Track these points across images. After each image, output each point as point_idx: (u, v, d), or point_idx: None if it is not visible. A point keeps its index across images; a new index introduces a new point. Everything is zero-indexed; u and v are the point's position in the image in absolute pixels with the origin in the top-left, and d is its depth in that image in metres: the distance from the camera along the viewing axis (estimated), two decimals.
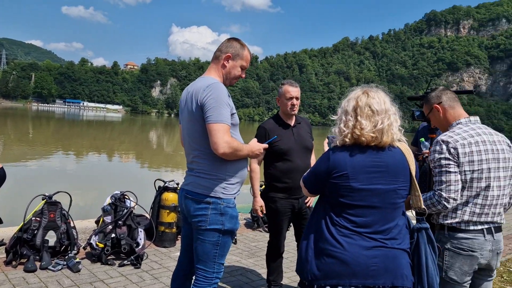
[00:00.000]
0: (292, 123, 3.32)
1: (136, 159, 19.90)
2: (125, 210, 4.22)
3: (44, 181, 11.34)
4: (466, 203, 2.11)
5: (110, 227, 4.11)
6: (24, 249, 3.77)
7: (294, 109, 3.25)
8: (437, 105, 2.32)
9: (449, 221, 2.14)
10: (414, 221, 1.99)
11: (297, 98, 3.25)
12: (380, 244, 1.80)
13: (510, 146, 2.23)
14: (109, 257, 4.02)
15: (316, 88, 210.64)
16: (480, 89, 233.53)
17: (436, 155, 2.14)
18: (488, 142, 2.13)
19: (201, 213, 2.28)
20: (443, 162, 2.10)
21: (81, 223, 5.17)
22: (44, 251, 3.81)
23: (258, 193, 3.29)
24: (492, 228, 2.14)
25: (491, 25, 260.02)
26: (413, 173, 1.88)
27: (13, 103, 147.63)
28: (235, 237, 4.98)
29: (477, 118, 2.29)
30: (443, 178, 2.10)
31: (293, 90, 3.23)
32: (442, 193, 2.09)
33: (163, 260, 4.20)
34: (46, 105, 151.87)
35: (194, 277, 2.44)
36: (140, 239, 4.15)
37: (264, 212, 3.26)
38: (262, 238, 5.28)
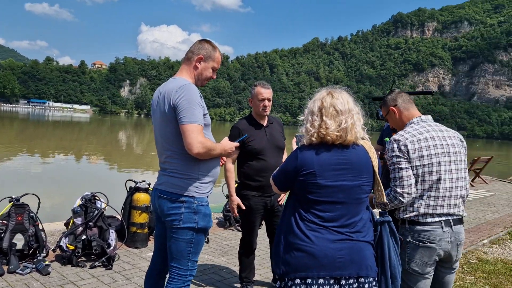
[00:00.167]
0: (265, 123, 3.41)
1: (105, 160, 19.51)
2: (96, 211, 4.19)
3: (10, 183, 10.98)
4: (421, 197, 2.24)
5: (80, 228, 4.07)
6: None
7: (266, 110, 3.34)
8: (393, 108, 2.46)
9: (408, 215, 2.27)
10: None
11: (269, 100, 3.34)
12: (346, 237, 1.90)
13: (462, 141, 2.38)
14: (80, 259, 3.98)
15: (287, 88, 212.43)
16: (444, 89, 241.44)
17: (389, 154, 2.28)
18: (437, 138, 2.27)
19: (175, 212, 2.32)
20: (395, 159, 2.24)
21: (49, 226, 5.08)
22: (11, 255, 3.74)
23: (234, 191, 3.36)
24: (451, 220, 2.26)
25: (454, 27, 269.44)
26: (376, 170, 1.99)
27: None
28: (208, 236, 5.01)
29: (429, 117, 2.43)
30: (396, 175, 2.23)
31: (265, 92, 3.32)
32: (397, 188, 2.21)
33: (135, 261, 4.19)
34: (9, 105, 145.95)
35: (168, 276, 2.47)
36: (112, 240, 4.13)
37: (243, 208, 3.33)
38: (234, 236, 5.35)
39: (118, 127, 62.22)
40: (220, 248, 4.83)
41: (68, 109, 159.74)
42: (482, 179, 12.78)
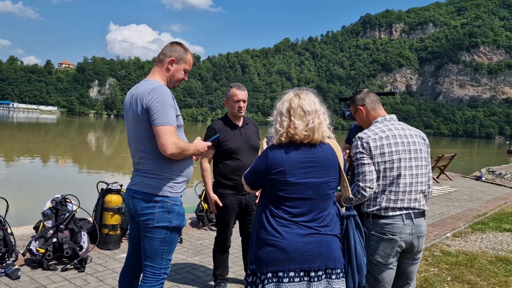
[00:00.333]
0: (240, 123, 3.51)
1: (74, 162, 19.07)
2: (67, 214, 4.15)
3: None
4: (383, 191, 2.37)
5: (51, 231, 4.02)
6: None
7: (241, 111, 3.44)
8: (361, 107, 2.59)
9: (371, 209, 2.40)
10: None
11: (244, 101, 3.44)
12: (315, 231, 2.00)
13: (424, 140, 2.52)
14: (51, 262, 3.93)
15: (259, 88, 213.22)
16: (411, 89, 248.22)
17: (354, 150, 2.42)
18: (398, 136, 2.41)
19: (149, 212, 2.36)
20: (359, 155, 2.38)
21: (17, 230, 4.97)
22: None
23: (211, 189, 3.45)
24: (412, 214, 2.40)
25: (420, 28, 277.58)
26: (342, 167, 2.10)
27: None
28: (181, 236, 5.04)
29: (393, 116, 2.57)
30: (360, 170, 2.37)
31: (240, 93, 3.42)
32: (360, 183, 2.35)
33: (108, 263, 4.18)
34: None
35: (142, 275, 2.50)
36: (84, 242, 4.10)
37: (220, 205, 3.41)
38: (207, 236, 5.39)
39: (87, 128, 60.80)
40: (194, 248, 4.87)
41: (34, 110, 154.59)
42: (447, 176, 13.28)
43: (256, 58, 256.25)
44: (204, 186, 3.62)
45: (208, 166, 3.47)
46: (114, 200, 4.58)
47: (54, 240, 3.98)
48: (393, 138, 2.39)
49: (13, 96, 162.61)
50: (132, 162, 2.51)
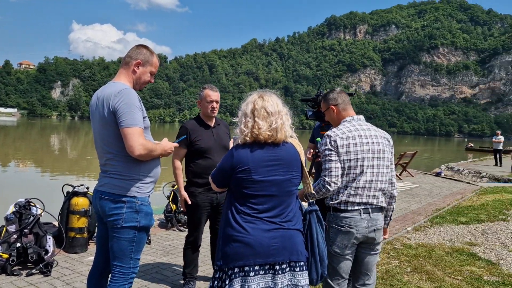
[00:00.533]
0: (212, 124, 3.61)
1: (37, 166, 18.47)
2: (31, 218, 4.08)
3: None
4: (345, 187, 2.53)
5: (15, 236, 3.94)
6: None
7: (214, 111, 3.55)
8: (333, 106, 2.73)
9: (333, 202, 2.55)
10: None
11: (216, 102, 3.55)
12: (279, 226, 2.10)
13: (389, 141, 2.69)
14: (15, 268, 3.86)
15: (227, 88, 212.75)
16: (375, 89, 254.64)
17: (322, 147, 2.57)
18: (364, 137, 2.56)
19: (117, 212, 2.39)
20: (327, 152, 2.53)
21: None
22: None
23: (182, 187, 3.55)
24: (370, 209, 2.56)
25: (383, 30, 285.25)
26: (304, 164, 2.22)
27: None
28: (149, 238, 5.04)
29: (361, 117, 2.72)
30: (326, 166, 2.51)
31: (213, 94, 3.53)
32: (326, 178, 2.49)
33: (75, 266, 4.14)
34: None
35: (110, 275, 2.53)
36: (49, 246, 4.04)
37: (189, 202, 3.49)
38: (176, 237, 5.41)
39: (50, 130, 58.83)
40: (162, 249, 4.88)
41: None
42: (409, 172, 13.79)
43: (224, 58, 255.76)
44: (175, 184, 3.67)
45: (180, 165, 3.56)
46: (81, 202, 4.54)
47: (18, 244, 3.90)
48: (359, 138, 2.54)
49: None
50: (99, 164, 2.53)
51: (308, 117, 3.34)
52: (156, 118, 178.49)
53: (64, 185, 4.90)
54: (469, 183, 12.58)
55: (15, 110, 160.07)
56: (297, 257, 2.12)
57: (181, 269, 3.87)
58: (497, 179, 14.34)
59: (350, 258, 2.61)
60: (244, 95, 2.26)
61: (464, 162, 22.41)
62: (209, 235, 3.84)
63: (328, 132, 2.57)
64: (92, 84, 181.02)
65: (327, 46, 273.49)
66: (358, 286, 2.71)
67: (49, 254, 3.99)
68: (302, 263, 2.15)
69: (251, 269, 2.06)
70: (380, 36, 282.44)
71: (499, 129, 23.38)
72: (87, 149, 27.79)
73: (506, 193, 10.24)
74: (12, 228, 4.00)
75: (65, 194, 4.75)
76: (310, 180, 2.32)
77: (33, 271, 3.82)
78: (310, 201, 2.32)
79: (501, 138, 19.54)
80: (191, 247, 3.63)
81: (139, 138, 2.32)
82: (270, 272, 2.08)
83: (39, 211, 4.25)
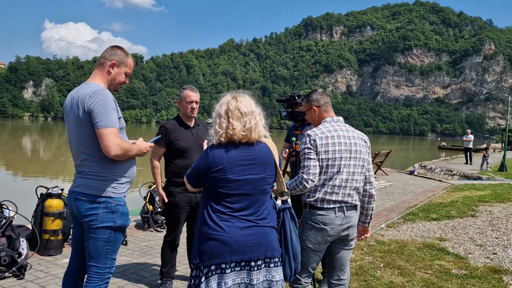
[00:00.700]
0: (192, 124, 3.65)
1: (8, 168, 17.97)
2: (4, 221, 4.01)
3: None
4: (322, 185, 2.61)
5: None
6: None
7: (194, 112, 3.60)
8: (316, 108, 2.80)
9: (310, 199, 2.63)
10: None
11: (196, 102, 3.60)
12: (254, 224, 2.16)
13: (366, 142, 2.78)
14: None
15: (204, 88, 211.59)
16: (351, 89, 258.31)
17: (302, 146, 2.65)
18: (342, 137, 2.66)
19: (92, 213, 2.40)
20: (306, 151, 2.61)
21: None
22: None
23: (160, 185, 3.59)
24: (344, 207, 2.65)
25: (358, 31, 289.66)
26: (277, 164, 2.28)
27: None
28: (126, 239, 5.02)
29: (340, 118, 2.81)
30: (305, 163, 2.59)
31: (193, 95, 3.57)
32: (304, 175, 2.57)
33: (49, 268, 4.09)
34: None
35: (86, 276, 2.53)
36: (23, 249, 3.98)
37: (166, 201, 3.53)
38: (153, 237, 5.40)
39: (22, 132, 57.22)
40: (139, 249, 4.87)
41: None
42: (383, 171, 14.10)
43: (201, 58, 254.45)
44: (151, 185, 3.68)
45: (157, 164, 3.61)
46: (55, 204, 4.48)
47: None
48: (338, 138, 2.63)
49: None
50: (74, 165, 2.53)
51: (282, 117, 3.41)
52: (133, 118, 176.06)
53: (38, 187, 4.82)
54: (440, 180, 12.95)
55: None
56: (271, 253, 2.18)
57: (158, 269, 3.88)
58: (467, 177, 14.82)
59: (320, 254, 2.70)
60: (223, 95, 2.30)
61: (436, 160, 23.03)
62: (186, 235, 3.86)
63: (308, 132, 2.66)
64: (66, 84, 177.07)
65: (304, 46, 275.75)
66: (333, 281, 2.79)
67: (23, 257, 3.93)
68: (276, 259, 2.21)
69: (227, 266, 2.11)
70: (355, 37, 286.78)
71: (470, 129, 24.13)
72: (61, 150, 27.20)
73: (475, 190, 10.62)
74: None
75: (39, 196, 4.68)
76: (284, 180, 2.38)
77: (6, 274, 3.76)
78: (284, 199, 2.38)
79: (471, 137, 20.18)
80: (170, 247, 3.65)
81: (115, 139, 2.33)
82: (246, 268, 2.13)
83: (12, 214, 4.18)
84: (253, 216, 2.17)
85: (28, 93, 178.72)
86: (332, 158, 2.59)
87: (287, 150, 3.87)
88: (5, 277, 3.74)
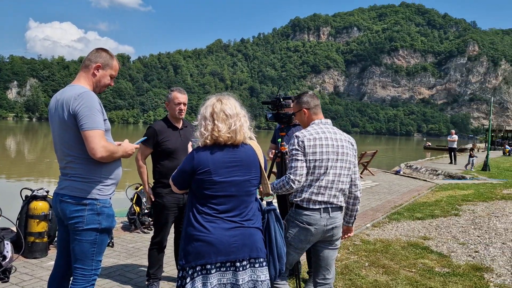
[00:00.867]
0: (180, 126, 3.67)
1: None
2: None
3: None
4: (309, 186, 2.66)
5: None
6: None
7: (182, 113, 3.62)
8: (306, 110, 2.85)
9: (296, 199, 2.68)
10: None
11: (184, 104, 3.63)
12: (239, 225, 2.19)
13: (353, 145, 2.83)
14: None
15: (192, 89, 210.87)
16: (339, 90, 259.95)
17: (290, 147, 2.70)
18: (330, 139, 2.71)
19: (78, 215, 2.40)
20: (294, 152, 2.66)
21: None
22: None
23: (146, 184, 3.63)
24: (329, 208, 2.69)
25: (345, 32, 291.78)
26: (262, 166, 2.31)
27: None
28: (112, 240, 5.00)
29: (328, 120, 2.86)
30: (293, 164, 2.64)
31: (181, 97, 3.59)
32: (291, 175, 2.62)
33: (35, 271, 4.06)
34: None
35: (72, 278, 2.52)
36: (7, 252, 3.95)
37: (152, 199, 3.56)
38: (140, 239, 5.39)
39: (5, 132, 56.30)
40: (126, 251, 4.86)
41: None
42: (369, 171, 14.24)
43: (189, 59, 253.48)
44: (138, 186, 3.68)
45: (143, 164, 3.63)
46: (40, 206, 4.44)
47: None
48: (325, 140, 2.68)
49: None
50: (59, 167, 2.53)
51: (267, 119, 3.45)
52: (120, 119, 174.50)
53: (23, 189, 4.78)
54: (425, 180, 13.14)
55: None
56: (257, 253, 2.21)
57: (145, 271, 3.88)
58: (451, 176, 15.06)
59: (300, 253, 2.76)
60: (210, 96, 2.33)
61: (422, 160, 23.34)
62: (173, 236, 3.87)
63: (297, 133, 2.71)
64: (51, 84, 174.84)
65: (291, 47, 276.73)
66: (318, 281, 2.83)
67: (7, 260, 3.90)
68: (261, 260, 2.24)
69: (213, 266, 2.13)
70: (342, 38, 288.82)
71: (454, 129, 24.51)
72: (46, 151, 26.84)
73: (459, 189, 10.81)
74: None
75: (24, 198, 4.64)
76: (269, 181, 2.42)
77: None
78: (269, 200, 2.42)
79: (455, 137, 20.49)
80: (157, 248, 3.66)
81: (101, 141, 2.34)
82: (231, 269, 2.16)
83: None
84: (238, 217, 2.20)
85: (12, 93, 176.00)
86: (319, 159, 2.63)
87: (273, 151, 3.90)
88: None
